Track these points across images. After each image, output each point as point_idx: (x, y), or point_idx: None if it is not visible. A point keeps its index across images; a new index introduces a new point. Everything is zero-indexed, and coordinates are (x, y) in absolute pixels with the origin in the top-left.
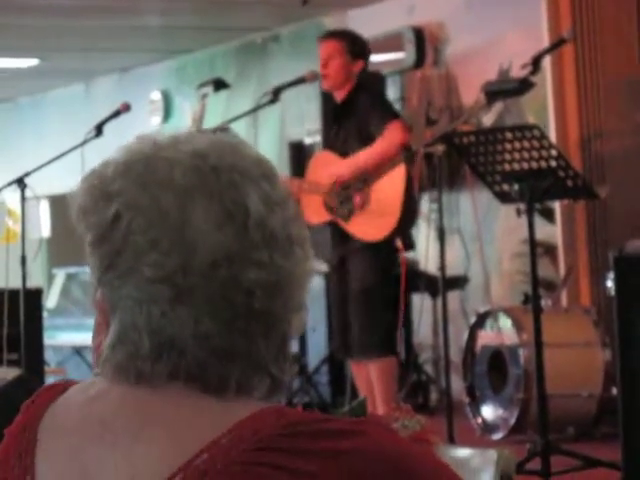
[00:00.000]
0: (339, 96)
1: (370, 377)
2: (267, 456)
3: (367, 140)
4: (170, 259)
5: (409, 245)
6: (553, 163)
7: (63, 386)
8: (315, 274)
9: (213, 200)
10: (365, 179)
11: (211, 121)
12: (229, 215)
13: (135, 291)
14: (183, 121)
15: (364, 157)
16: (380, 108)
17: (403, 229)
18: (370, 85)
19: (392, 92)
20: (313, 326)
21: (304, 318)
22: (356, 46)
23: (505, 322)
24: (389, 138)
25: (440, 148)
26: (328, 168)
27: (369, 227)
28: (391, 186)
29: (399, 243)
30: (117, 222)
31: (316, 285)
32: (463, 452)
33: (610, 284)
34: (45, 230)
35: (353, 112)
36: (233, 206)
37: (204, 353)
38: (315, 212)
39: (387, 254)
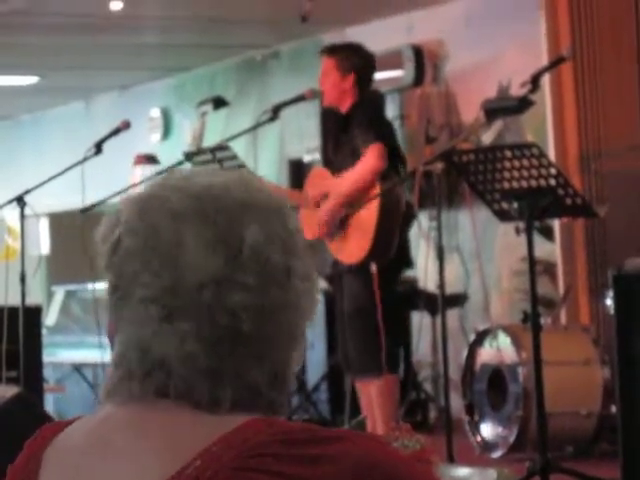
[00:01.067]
0: (342, 110)
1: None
2: (257, 462)
3: (357, 158)
4: (160, 280)
5: (408, 263)
6: (552, 181)
7: (66, 422)
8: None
9: (207, 224)
10: (350, 203)
11: (211, 139)
12: (221, 239)
13: (130, 312)
14: (182, 139)
15: (345, 184)
16: (365, 128)
17: (379, 252)
18: (370, 102)
19: (391, 110)
20: (312, 343)
21: (303, 348)
22: (347, 62)
23: (504, 340)
24: (364, 163)
25: (439, 166)
26: (321, 185)
27: (348, 249)
28: (367, 209)
29: (374, 268)
30: (118, 246)
31: None
32: (463, 471)
33: (609, 302)
34: (44, 247)
35: (350, 128)
36: (227, 231)
37: (190, 373)
38: (310, 228)
39: (379, 276)
